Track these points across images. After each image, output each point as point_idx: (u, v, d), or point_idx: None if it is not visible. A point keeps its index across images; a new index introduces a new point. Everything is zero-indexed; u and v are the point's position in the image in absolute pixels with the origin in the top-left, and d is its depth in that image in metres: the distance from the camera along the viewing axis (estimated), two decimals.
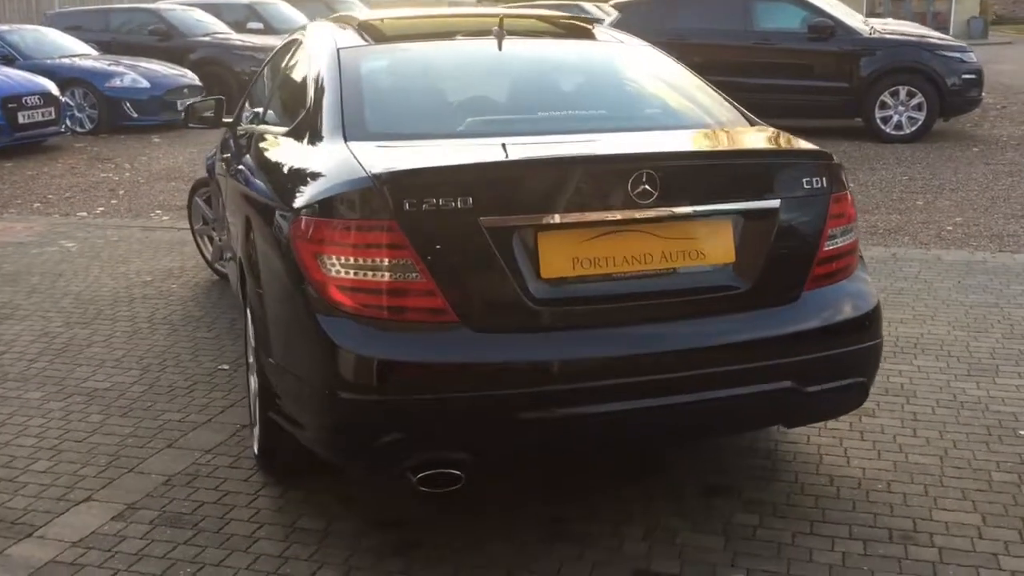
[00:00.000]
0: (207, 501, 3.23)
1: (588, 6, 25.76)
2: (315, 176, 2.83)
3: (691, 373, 2.62)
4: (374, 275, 2.56)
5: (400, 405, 2.55)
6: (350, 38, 3.56)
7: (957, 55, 11.14)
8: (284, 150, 3.25)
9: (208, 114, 5.12)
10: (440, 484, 2.61)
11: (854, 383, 2.87)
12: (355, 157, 2.73)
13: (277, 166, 3.19)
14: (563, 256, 2.62)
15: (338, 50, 3.44)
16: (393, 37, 3.61)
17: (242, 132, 4.50)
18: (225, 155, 4.71)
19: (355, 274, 2.57)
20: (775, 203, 2.76)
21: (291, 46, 4.29)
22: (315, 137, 3.06)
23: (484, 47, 3.54)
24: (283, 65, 4.04)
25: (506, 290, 2.58)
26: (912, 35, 11.80)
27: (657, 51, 3.75)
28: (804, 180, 2.80)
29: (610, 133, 3.07)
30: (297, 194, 2.83)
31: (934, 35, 12.43)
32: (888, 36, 11.36)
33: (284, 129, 3.44)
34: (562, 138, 2.99)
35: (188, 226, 6.37)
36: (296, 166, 3.02)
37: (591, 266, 2.64)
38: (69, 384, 4.30)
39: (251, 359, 3.42)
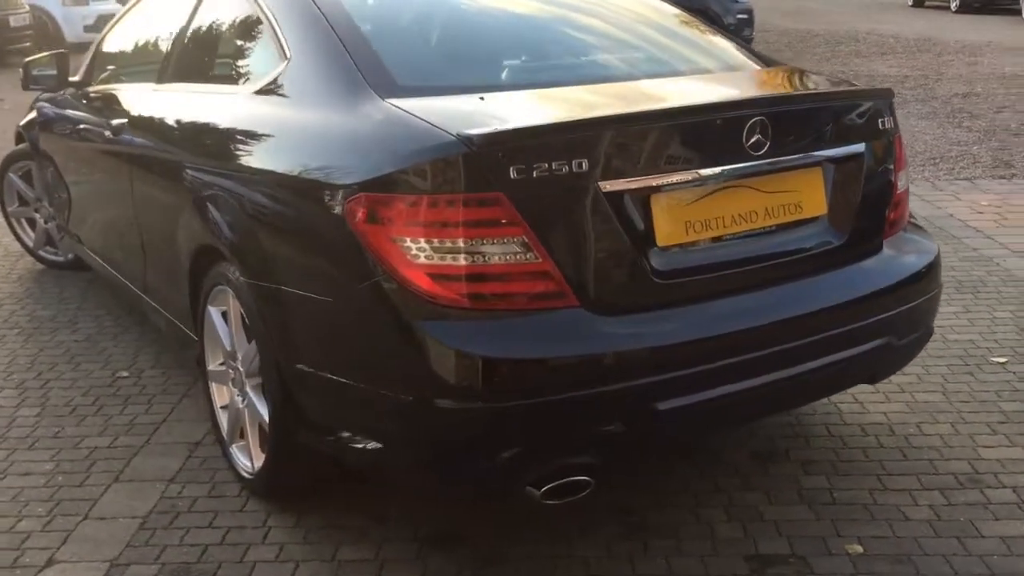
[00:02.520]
0: (210, 543, 2.67)
1: None
2: (365, 144, 2.33)
3: (812, 339, 2.41)
4: (476, 258, 2.13)
5: (522, 411, 2.15)
6: None
7: None
8: (274, 113, 2.66)
9: (47, 72, 4.26)
10: (565, 494, 2.25)
11: (927, 330, 2.78)
12: (419, 117, 2.26)
13: (278, 134, 2.61)
14: (676, 220, 2.30)
15: None
16: None
17: (119, 94, 3.76)
18: (86, 123, 3.94)
19: (451, 259, 2.13)
20: (861, 147, 2.58)
21: None
22: (326, 96, 2.52)
23: None
24: (190, 11, 3.36)
25: (628, 264, 2.24)
26: None
27: None
28: (880, 121, 2.64)
29: (669, 78, 2.76)
30: (345, 168, 2.31)
31: None
32: None
33: (247, 88, 2.84)
34: (634, 85, 2.65)
35: None
36: (318, 133, 2.47)
37: (703, 229, 2.35)
38: None
39: (235, 370, 2.84)
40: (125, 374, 3.79)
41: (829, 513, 2.74)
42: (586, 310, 2.18)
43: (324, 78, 2.57)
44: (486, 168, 2.11)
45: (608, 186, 2.19)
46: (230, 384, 2.92)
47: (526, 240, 2.13)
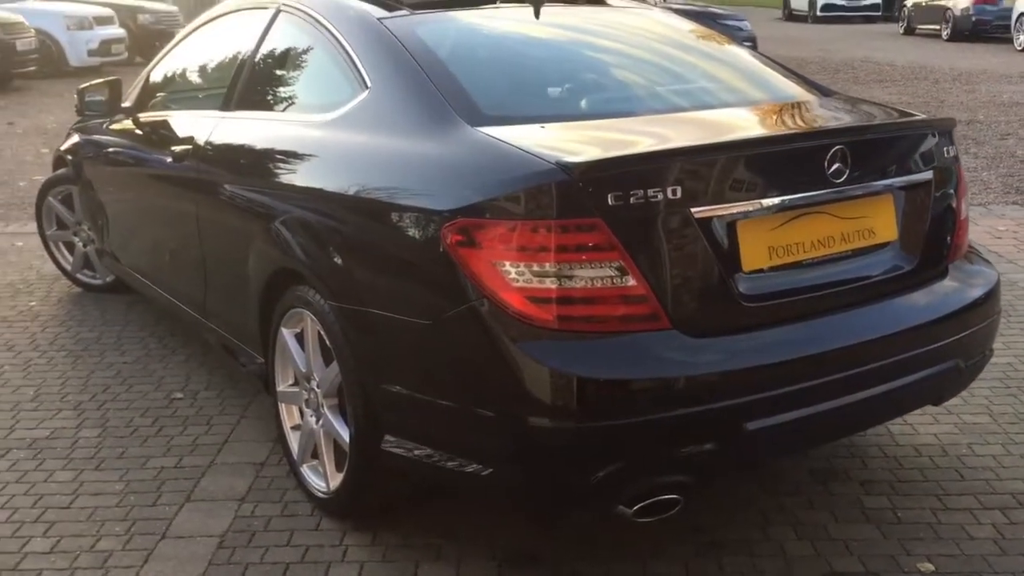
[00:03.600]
0: (291, 561, 2.71)
1: None
2: (459, 171, 2.40)
3: (889, 361, 2.48)
4: (575, 282, 2.20)
5: (620, 430, 2.21)
6: (378, 7, 3.06)
7: (735, 23, 11.79)
8: (357, 140, 2.73)
9: (98, 97, 4.33)
10: (656, 512, 2.32)
11: (988, 352, 2.86)
12: (515, 145, 2.34)
13: (363, 161, 2.67)
14: (761, 246, 2.38)
15: (380, 20, 2.95)
16: (421, 4, 3.16)
17: (178, 120, 3.82)
18: (138, 149, 4.01)
19: (550, 282, 2.20)
20: (928, 174, 2.67)
21: (241, 19, 3.68)
22: (413, 124, 2.60)
23: (531, 15, 3.17)
24: (257, 39, 3.43)
25: (717, 288, 2.31)
26: (696, 6, 12.34)
27: (688, 20, 3.58)
28: (945, 149, 2.73)
29: (742, 107, 2.85)
30: (439, 194, 2.38)
31: (714, 7, 13.08)
32: (676, 7, 11.79)
33: (324, 116, 2.90)
34: (711, 114, 2.74)
35: None
36: (407, 160, 2.54)
37: (785, 254, 2.43)
38: None
39: (310, 390, 2.89)
40: (180, 395, 3.83)
41: (895, 532, 2.81)
42: (678, 332, 2.26)
43: (409, 107, 2.65)
44: (585, 195, 2.19)
45: (699, 212, 2.27)
46: (303, 405, 2.97)
47: (622, 264, 2.20)
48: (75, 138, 4.88)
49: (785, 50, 19.01)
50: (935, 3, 22.22)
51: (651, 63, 3.17)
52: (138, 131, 4.12)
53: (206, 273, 3.53)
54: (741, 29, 11.75)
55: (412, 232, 2.42)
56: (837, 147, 2.41)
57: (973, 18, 20.78)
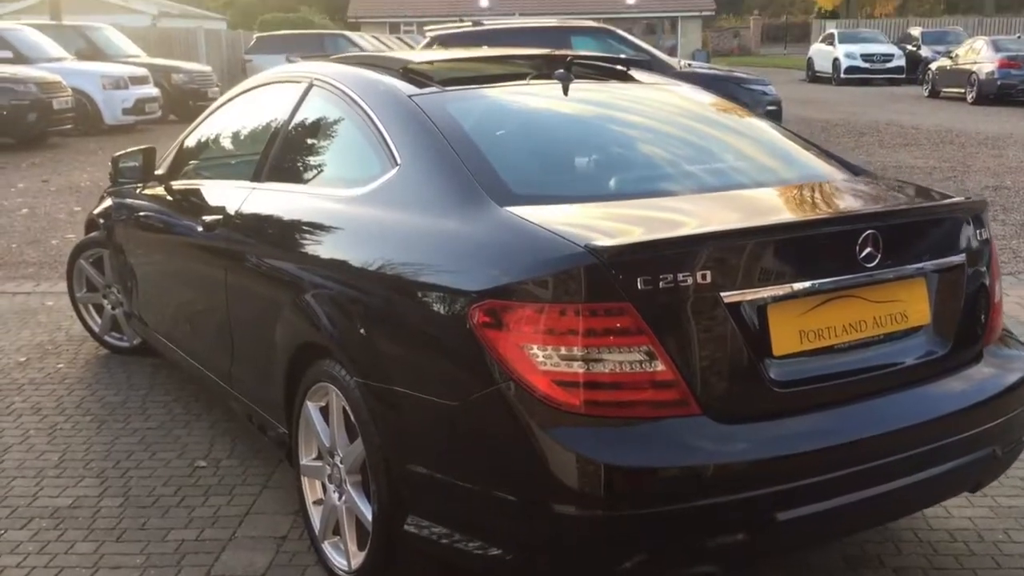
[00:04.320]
0: None
1: (354, 36, 25.44)
2: (487, 251, 2.40)
3: (925, 448, 2.43)
4: (603, 366, 2.18)
5: (648, 520, 2.17)
6: (409, 84, 3.10)
7: (760, 88, 11.81)
8: (386, 217, 2.74)
9: (132, 164, 4.39)
10: None
11: None
12: (544, 227, 2.34)
13: (391, 238, 2.68)
14: (792, 330, 2.36)
15: (411, 97, 2.98)
16: (451, 81, 3.19)
17: (210, 189, 3.86)
18: (170, 216, 4.06)
19: (578, 366, 2.18)
20: (962, 257, 2.64)
21: (274, 91, 3.73)
22: (441, 202, 2.61)
23: (560, 92, 3.19)
24: (289, 111, 3.47)
25: (747, 373, 2.29)
26: (719, 71, 12.41)
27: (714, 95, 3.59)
28: (978, 231, 2.70)
29: (771, 187, 2.84)
30: (466, 273, 2.38)
31: (738, 71, 13.14)
32: (699, 71, 11.86)
33: (353, 191, 2.92)
34: (740, 195, 2.73)
35: (20, 290, 5.44)
36: (435, 238, 2.55)
37: (816, 339, 2.40)
38: (16, 504, 3.49)
39: (334, 465, 2.87)
40: (203, 464, 3.82)
41: None
42: (708, 418, 2.22)
43: (438, 185, 2.66)
44: (614, 279, 2.18)
45: (729, 297, 2.25)
46: (326, 480, 2.95)
47: (651, 349, 2.18)
48: (108, 202, 4.94)
49: (810, 112, 19.11)
50: (960, 66, 22.29)
51: (681, 141, 3.18)
52: (170, 198, 4.17)
53: (232, 341, 3.54)
54: (766, 93, 11.77)
55: (439, 311, 2.41)
56: (869, 231, 2.39)
57: (999, 82, 20.81)
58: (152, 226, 4.32)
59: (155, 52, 21.59)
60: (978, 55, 21.83)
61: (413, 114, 2.89)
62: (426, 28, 12.82)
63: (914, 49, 28.99)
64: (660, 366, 2.19)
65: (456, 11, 29.41)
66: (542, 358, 2.20)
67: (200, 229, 3.66)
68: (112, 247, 4.87)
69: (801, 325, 2.37)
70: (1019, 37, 23.77)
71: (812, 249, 2.39)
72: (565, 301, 2.19)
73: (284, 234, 3.18)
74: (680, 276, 2.20)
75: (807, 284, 2.37)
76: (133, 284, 4.62)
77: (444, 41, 11.90)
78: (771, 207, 2.71)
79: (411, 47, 19.08)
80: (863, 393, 2.45)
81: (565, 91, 3.20)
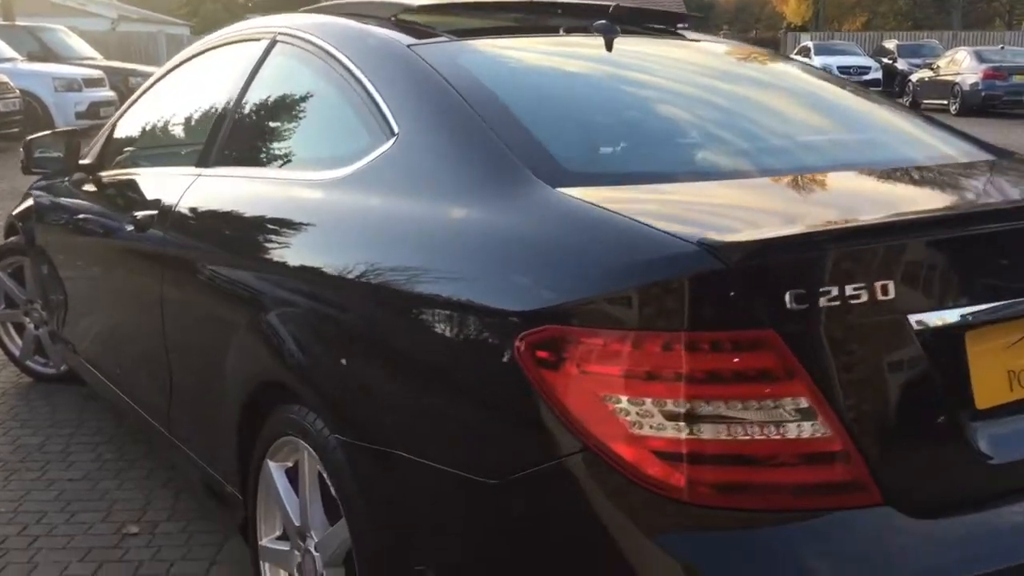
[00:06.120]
0: None
1: None
2: (542, 252, 1.60)
3: None
4: (732, 430, 1.39)
5: None
6: (406, 33, 2.30)
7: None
8: (382, 207, 1.93)
9: (53, 154, 3.55)
10: None
11: None
12: (628, 216, 1.55)
13: (391, 236, 1.87)
14: (998, 370, 1.59)
15: (410, 47, 2.18)
16: (462, 32, 2.39)
17: (143, 180, 3.05)
18: (97, 214, 3.23)
19: (694, 430, 1.39)
20: None
21: (226, 54, 2.92)
22: (462, 183, 1.81)
23: (600, 47, 2.40)
24: (243, 79, 2.66)
25: (947, 436, 1.51)
26: None
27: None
28: None
29: (930, 166, 2.07)
30: (512, 286, 1.58)
31: None
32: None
33: (333, 173, 2.12)
34: (891, 177, 1.96)
35: None
36: (455, 234, 1.74)
37: None
38: None
39: (305, 551, 2.06)
40: (134, 530, 2.98)
41: None
42: (895, 509, 1.44)
43: (455, 159, 1.87)
44: (750, 293, 1.40)
45: (920, 320, 1.47)
46: (294, 571, 2.13)
47: (809, 403, 1.40)
48: (29, 201, 4.10)
49: None
50: (941, 78, 21.89)
51: (770, 110, 2.40)
52: (98, 192, 3.35)
53: (170, 374, 2.72)
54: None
55: (464, 341, 1.61)
56: None
57: (983, 93, 20.41)
58: (77, 228, 3.49)
59: (114, 56, 20.63)
60: (960, 66, 21.42)
61: (415, 68, 2.10)
62: None
63: (890, 62, 28.62)
64: (822, 429, 1.41)
65: None
66: (634, 416, 1.41)
67: (130, 229, 2.84)
68: (33, 254, 4.03)
69: (1009, 363, 1.60)
70: (1002, 48, 23.39)
71: (1017, 250, 1.62)
72: (671, 328, 1.40)
73: (237, 233, 2.37)
74: (850, 290, 1.41)
75: (1006, 307, 1.59)
76: (58, 299, 3.78)
77: None
78: (942, 191, 1.95)
79: None
80: None
81: (609, 46, 2.41)
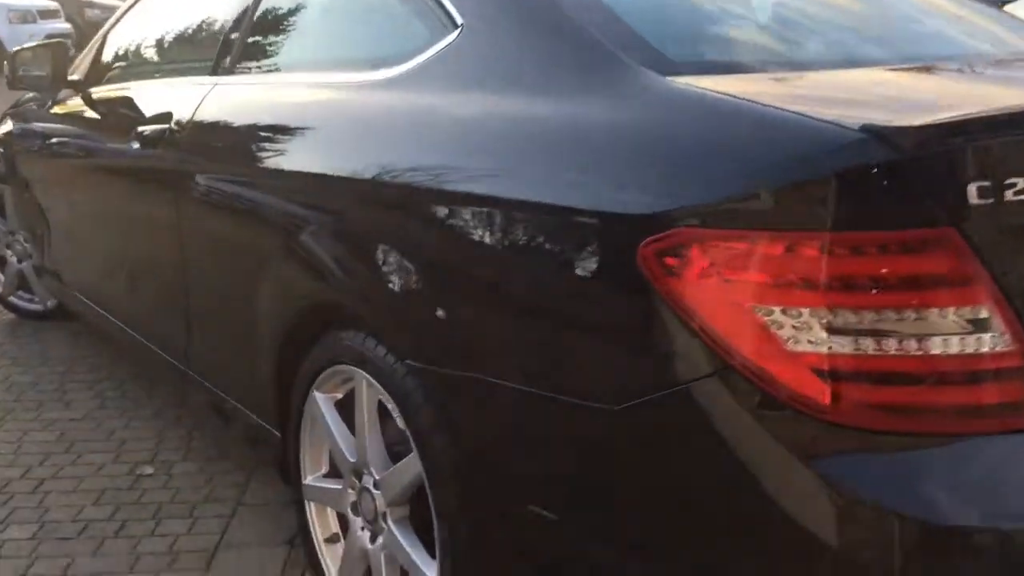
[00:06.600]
0: None
1: None
2: (663, 145, 1.39)
3: None
4: (906, 344, 1.21)
5: None
6: None
7: None
8: (456, 104, 1.72)
9: (37, 70, 3.28)
10: None
11: None
12: (765, 104, 1.35)
13: (470, 133, 1.65)
14: None
15: None
16: None
17: (147, 93, 2.80)
18: (91, 134, 2.98)
19: (860, 343, 1.21)
20: None
21: None
22: (548, 74, 1.60)
23: None
24: None
25: None
26: None
27: None
28: None
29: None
30: (629, 184, 1.37)
31: None
32: None
33: (382, 74, 1.89)
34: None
35: None
36: (556, 129, 1.52)
37: None
38: None
39: (362, 489, 1.88)
40: (149, 471, 2.79)
41: None
42: None
43: (538, 50, 1.65)
44: (928, 187, 1.21)
45: None
46: (348, 510, 1.95)
47: (988, 311, 1.23)
48: (9, 124, 3.82)
49: None
50: None
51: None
52: (91, 111, 3.08)
53: (189, 306, 2.50)
54: None
55: (573, 253, 1.41)
56: None
57: None
58: (67, 151, 3.24)
59: None
60: None
61: None
62: None
63: None
64: (1007, 341, 1.23)
65: None
66: (789, 329, 1.23)
67: (136, 147, 2.60)
68: (15, 182, 3.76)
69: None
70: None
71: None
72: (832, 228, 1.22)
73: (272, 145, 2.14)
74: None
75: None
76: (44, 230, 3.53)
77: None
78: None
79: None
80: None
81: None
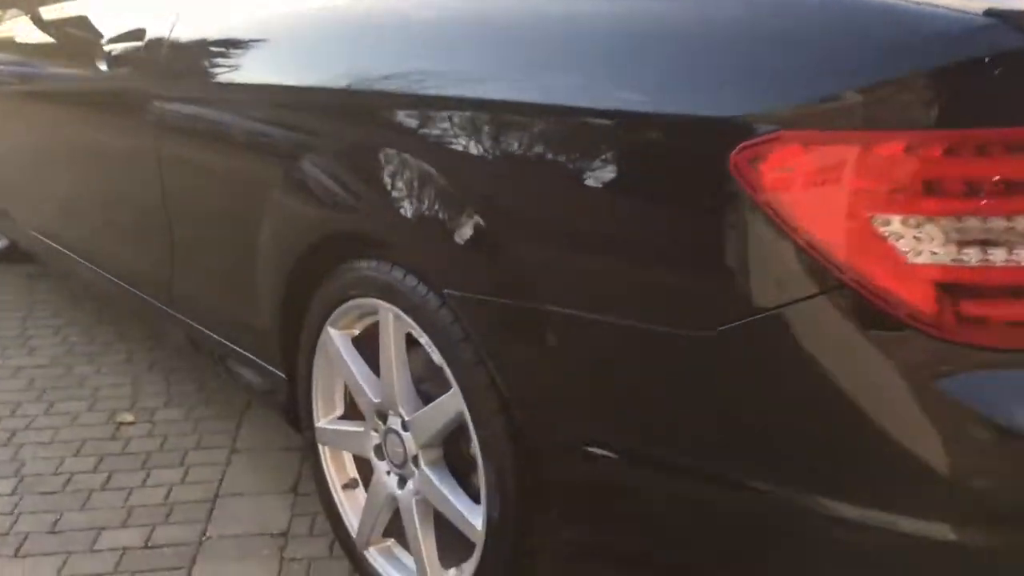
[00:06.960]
0: None
1: None
2: (752, 37, 1.23)
3: None
4: None
5: None
6: None
7: None
8: None
9: None
10: None
11: None
12: None
13: (516, 28, 1.48)
14: None
15: None
16: None
17: (110, 4, 2.56)
18: (42, 53, 2.75)
19: (992, 256, 1.10)
20: None
21: None
22: None
23: None
24: None
25: None
26: None
27: None
28: None
29: None
30: (715, 80, 1.22)
31: None
32: None
33: None
34: None
35: None
36: (625, 24, 1.36)
37: None
38: None
39: (387, 431, 1.74)
40: (130, 418, 2.61)
41: None
42: None
43: None
44: None
45: None
46: (371, 454, 1.81)
47: None
48: None
49: None
50: None
51: None
52: (39, 31, 2.82)
53: (174, 244, 2.30)
54: None
55: (650, 160, 1.27)
56: None
57: None
58: (12, 77, 2.97)
59: None
60: None
61: None
62: None
63: None
64: None
65: None
66: (911, 240, 1.11)
67: (104, 68, 2.37)
68: None
69: None
70: None
71: None
72: (959, 125, 1.09)
73: (275, 58, 1.94)
74: None
75: None
76: None
77: None
78: None
79: None
80: None
81: None
